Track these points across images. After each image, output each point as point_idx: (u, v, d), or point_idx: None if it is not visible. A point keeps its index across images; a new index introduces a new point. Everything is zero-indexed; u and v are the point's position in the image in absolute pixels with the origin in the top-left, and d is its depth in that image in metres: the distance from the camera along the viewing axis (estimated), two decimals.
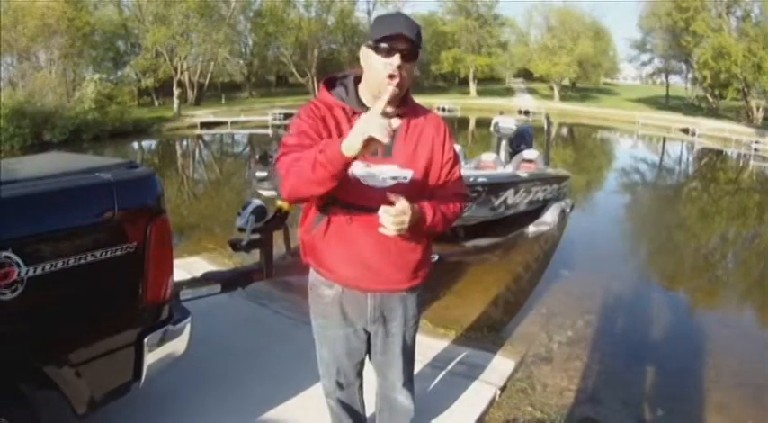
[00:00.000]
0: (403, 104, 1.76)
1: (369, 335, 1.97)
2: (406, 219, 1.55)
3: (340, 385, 2.06)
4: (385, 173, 1.71)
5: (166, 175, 13.36)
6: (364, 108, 1.69)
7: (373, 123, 1.37)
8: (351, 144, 1.40)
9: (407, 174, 1.74)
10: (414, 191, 1.73)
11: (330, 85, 1.80)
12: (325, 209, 1.76)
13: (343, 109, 1.74)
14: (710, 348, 4.31)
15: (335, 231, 1.76)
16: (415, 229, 1.63)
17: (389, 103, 1.54)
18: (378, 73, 1.65)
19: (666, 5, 32.68)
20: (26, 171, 2.13)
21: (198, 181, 14.09)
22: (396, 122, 1.40)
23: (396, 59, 1.62)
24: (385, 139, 1.36)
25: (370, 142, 1.39)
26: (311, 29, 38.73)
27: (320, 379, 2.12)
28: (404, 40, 1.62)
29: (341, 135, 1.65)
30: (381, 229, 1.55)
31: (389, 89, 1.50)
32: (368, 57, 1.68)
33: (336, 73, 1.86)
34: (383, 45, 1.63)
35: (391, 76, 1.62)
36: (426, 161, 1.77)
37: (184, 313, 2.37)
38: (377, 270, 1.79)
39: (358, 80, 1.78)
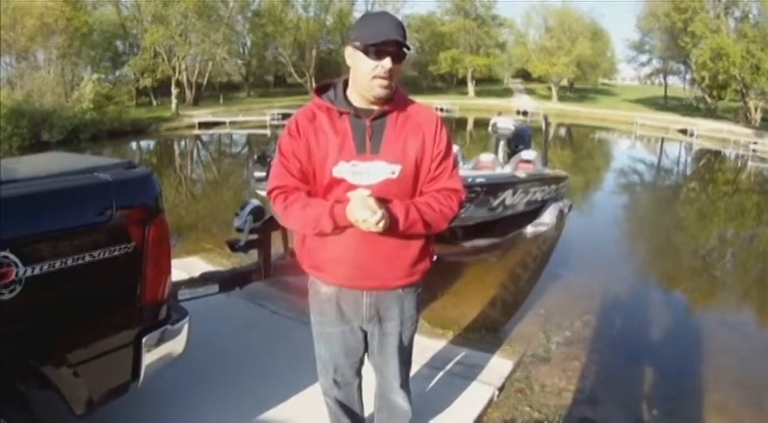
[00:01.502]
0: (391, 101, 1.78)
1: (366, 334, 1.97)
2: (370, 213, 1.60)
3: (337, 384, 2.06)
4: (372, 170, 1.73)
5: (164, 174, 13.36)
6: (351, 107, 1.77)
7: (358, 210, 1.61)
8: (343, 221, 1.67)
9: (395, 169, 1.74)
10: (403, 186, 1.76)
11: (323, 90, 1.85)
12: None
13: (331, 110, 1.78)
14: (709, 349, 4.32)
15: (326, 234, 1.76)
16: (393, 230, 1.67)
17: (378, 102, 1.74)
18: (366, 74, 1.70)
19: (665, 6, 32.69)
20: (24, 171, 2.12)
21: (196, 181, 14.07)
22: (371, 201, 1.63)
23: (387, 62, 1.68)
24: (372, 219, 1.59)
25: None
26: (310, 29, 38.73)
27: (318, 377, 2.12)
28: (394, 43, 1.67)
29: (326, 133, 1.74)
30: (350, 216, 1.63)
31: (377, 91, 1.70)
32: (356, 58, 1.72)
33: (331, 80, 1.90)
34: (374, 48, 1.66)
35: (381, 78, 1.69)
36: (416, 155, 1.77)
37: (182, 313, 2.36)
38: (369, 267, 1.80)
39: (346, 83, 1.82)
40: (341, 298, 1.88)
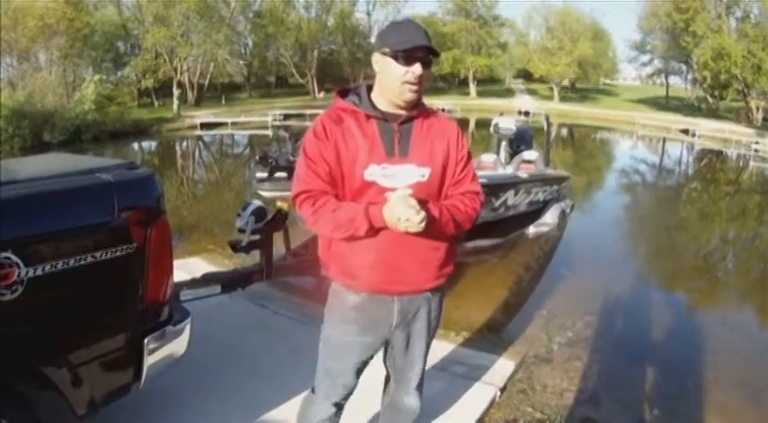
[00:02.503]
0: (417, 106, 1.82)
1: (385, 345, 1.98)
2: (414, 212, 1.59)
3: (338, 407, 2.01)
4: (402, 173, 1.75)
5: (166, 175, 13.36)
6: (377, 111, 1.78)
7: (401, 208, 1.59)
8: (379, 222, 1.65)
9: (425, 172, 1.77)
10: (431, 189, 1.79)
11: (344, 94, 1.87)
12: None
13: (357, 114, 1.79)
14: (710, 349, 4.31)
15: (358, 237, 1.74)
16: (429, 230, 1.67)
17: (407, 107, 1.77)
18: (396, 78, 1.73)
19: (666, 6, 32.67)
20: (26, 172, 2.13)
21: (198, 182, 14.10)
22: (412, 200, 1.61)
23: (417, 68, 1.71)
24: (415, 218, 1.57)
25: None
26: (311, 30, 38.75)
27: (316, 402, 2.02)
28: (423, 48, 1.71)
29: (354, 136, 1.74)
30: (389, 216, 1.62)
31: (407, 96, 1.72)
32: (386, 64, 1.75)
33: (350, 86, 1.92)
34: (404, 55, 1.70)
35: (411, 83, 1.72)
36: (443, 158, 1.81)
37: (184, 314, 2.37)
38: (402, 271, 1.79)
39: (369, 89, 1.85)
40: (370, 306, 1.85)
